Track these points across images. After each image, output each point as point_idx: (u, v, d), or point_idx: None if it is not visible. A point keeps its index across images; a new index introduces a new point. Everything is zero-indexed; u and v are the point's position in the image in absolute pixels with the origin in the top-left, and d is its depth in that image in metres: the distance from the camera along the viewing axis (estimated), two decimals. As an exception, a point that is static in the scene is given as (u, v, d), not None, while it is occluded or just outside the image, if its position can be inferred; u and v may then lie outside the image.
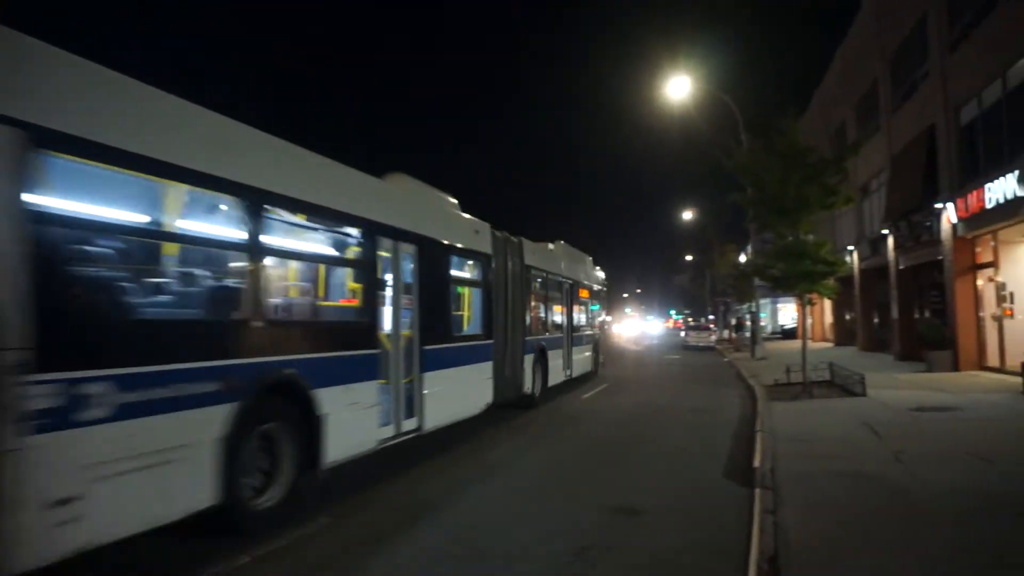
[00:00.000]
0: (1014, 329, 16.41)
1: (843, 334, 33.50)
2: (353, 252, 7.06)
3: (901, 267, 22.90)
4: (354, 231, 6.93)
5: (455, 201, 10.23)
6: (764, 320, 66.29)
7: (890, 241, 23.41)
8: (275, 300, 5.94)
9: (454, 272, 9.73)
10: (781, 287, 15.31)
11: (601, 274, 21.22)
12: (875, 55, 24.93)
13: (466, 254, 10.20)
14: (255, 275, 5.36)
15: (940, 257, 19.35)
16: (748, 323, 38.79)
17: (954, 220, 18.15)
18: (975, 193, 16.82)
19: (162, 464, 4.43)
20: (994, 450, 8.25)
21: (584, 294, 18.50)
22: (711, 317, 68.47)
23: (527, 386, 13.06)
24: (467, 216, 10.45)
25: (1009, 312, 16.84)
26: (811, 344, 37.76)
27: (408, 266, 8.10)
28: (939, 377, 16.68)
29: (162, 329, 4.59)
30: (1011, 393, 13.24)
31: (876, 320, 28.02)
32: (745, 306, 46.05)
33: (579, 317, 17.87)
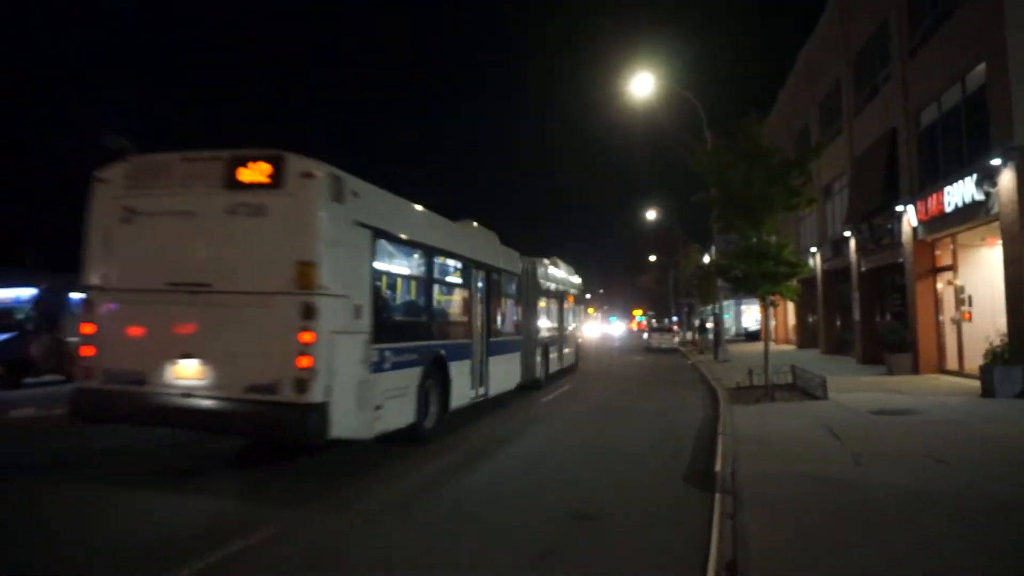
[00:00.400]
0: (972, 333, 16.88)
1: (806, 337, 34.14)
2: (461, 277, 11.90)
3: (863, 269, 23.40)
4: (462, 265, 11.83)
5: (494, 234, 14.86)
6: (728, 322, 67.50)
7: (852, 243, 23.91)
8: (438, 309, 10.74)
9: (501, 287, 14.64)
10: (744, 288, 15.48)
11: (578, 279, 24.99)
12: (838, 57, 25.47)
13: (507, 274, 15.15)
14: (431, 294, 10.19)
15: (901, 260, 19.84)
16: (711, 325, 39.28)
17: (914, 223, 18.63)
18: (935, 196, 17.29)
19: (402, 396, 8.83)
20: (952, 453, 8.44)
21: (570, 299, 22.84)
22: (675, 319, 69.34)
23: (538, 373, 17.80)
24: (505, 247, 15.40)
25: (968, 316, 17.32)
26: (774, 347, 38.53)
27: (480, 284, 12.84)
28: (899, 380, 17.08)
29: (405, 325, 9.27)
30: (969, 396, 13.61)
31: (838, 323, 28.60)
32: (709, 308, 46.71)
33: (568, 320, 22.37)
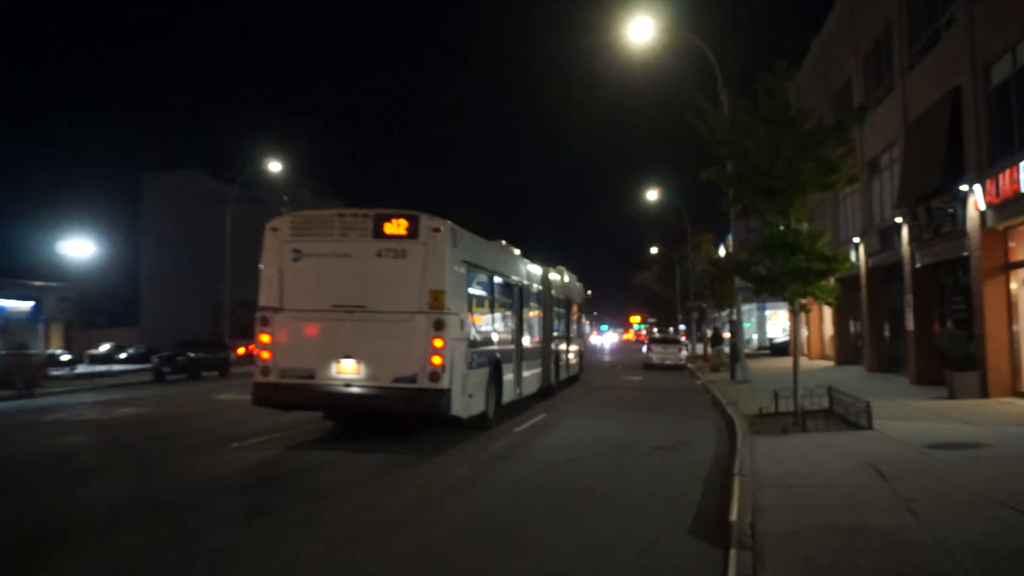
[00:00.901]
0: (1054, 344, 17.13)
1: (846, 350, 34.53)
2: (505, 294, 17.67)
3: (918, 265, 23.66)
4: (505, 283, 17.73)
5: (517, 250, 21.03)
6: (748, 332, 68.20)
7: (904, 232, 24.18)
8: (496, 321, 16.52)
9: (528, 300, 20.48)
10: (768, 289, 15.54)
11: (581, 286, 31.57)
12: (888, -4, 25.73)
13: (531, 288, 21.12)
14: (493, 309, 16.56)
15: (965, 253, 20.06)
16: (728, 335, 39.54)
17: (982, 207, 18.85)
18: (1008, 173, 17.49)
19: (479, 389, 14.94)
20: (1029, 497, 8.47)
21: (575, 309, 29.63)
22: (682, 328, 69.59)
23: (552, 379, 23.23)
24: (527, 260, 21.18)
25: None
26: (806, 363, 39.04)
27: (516, 299, 18.77)
28: (963, 405, 17.30)
29: (481, 335, 15.41)
30: (1049, 424, 13.81)
31: (887, 333, 28.94)
32: (724, 314, 46.99)
33: (575, 329, 29.40)
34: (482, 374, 15.51)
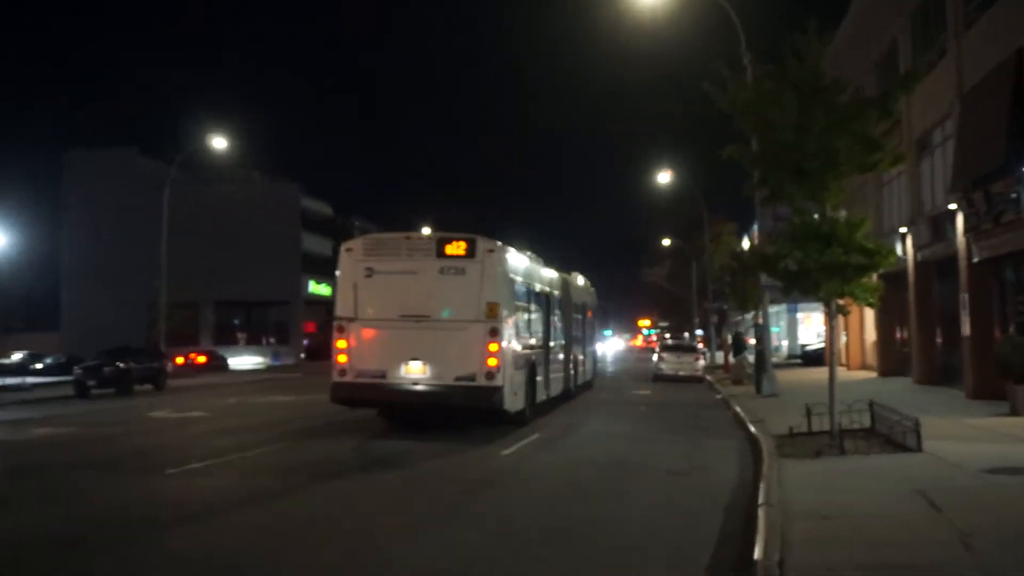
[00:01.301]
0: None
1: (891, 359, 34.62)
2: (536, 303, 22.87)
3: (975, 259, 23.71)
4: (537, 292, 22.85)
5: (539, 258, 24.84)
6: (777, 338, 68.21)
7: (959, 221, 24.24)
8: (532, 328, 22.19)
9: (552, 307, 24.74)
10: (799, 288, 15.54)
11: (593, 289, 36.84)
12: (941, -56, 25.80)
13: (555, 296, 25.30)
14: (530, 317, 22.07)
15: (1030, 245, 20.13)
16: (752, 342, 39.61)
17: (1050, 190, 18.92)
18: (1080, 150, 17.56)
19: (521, 389, 20.15)
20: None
21: (589, 314, 34.44)
22: (699, 333, 69.42)
23: (571, 384, 28.11)
24: (548, 268, 25.37)
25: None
26: (845, 373, 38.88)
27: (544, 308, 23.63)
28: (1027, 422, 17.34)
29: (523, 341, 20.71)
30: None
31: (939, 339, 29.00)
32: (748, 316, 47.12)
33: (589, 334, 34.33)
34: (522, 375, 20.44)
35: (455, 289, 18.77)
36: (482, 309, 18.45)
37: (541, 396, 22.76)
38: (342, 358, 19.12)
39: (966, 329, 24.28)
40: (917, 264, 29.38)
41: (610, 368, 58.27)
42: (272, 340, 78.88)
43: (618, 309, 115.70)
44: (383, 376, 18.72)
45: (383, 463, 15.01)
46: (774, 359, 38.22)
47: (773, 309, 54.28)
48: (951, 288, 26.17)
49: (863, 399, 17.08)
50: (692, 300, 66.22)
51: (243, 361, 69.05)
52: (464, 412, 19.30)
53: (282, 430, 20.36)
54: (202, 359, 59.09)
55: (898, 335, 34.52)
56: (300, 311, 78.36)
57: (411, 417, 20.31)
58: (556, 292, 26.52)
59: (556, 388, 25.32)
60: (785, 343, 66.74)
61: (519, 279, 20.89)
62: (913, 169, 28.57)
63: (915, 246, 29.26)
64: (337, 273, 20.00)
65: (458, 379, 18.28)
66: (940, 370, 28.60)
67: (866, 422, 16.41)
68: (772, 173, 15.69)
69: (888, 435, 15.12)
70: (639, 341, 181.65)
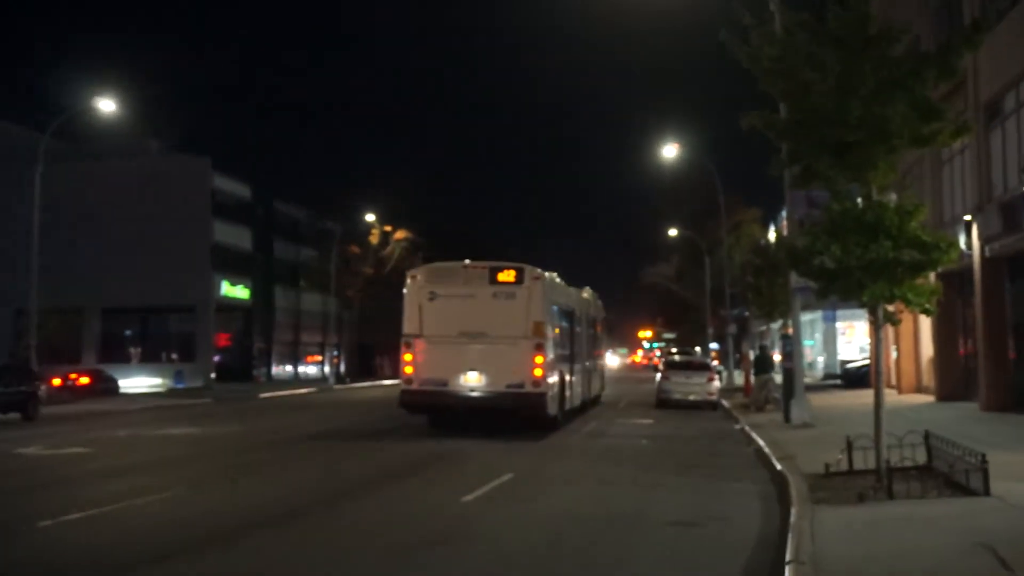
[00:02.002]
0: None
1: (952, 380, 34.75)
2: (566, 321, 34.03)
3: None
4: (566, 311, 34.06)
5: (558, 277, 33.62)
6: (810, 352, 68.30)
7: (1036, 207, 24.42)
8: (564, 343, 33.06)
9: (575, 323, 35.35)
10: (838, 291, 15.57)
11: (600, 302, 46.24)
12: None
13: (576, 314, 35.58)
14: (562, 334, 32.75)
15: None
16: (779, 358, 39.73)
17: None
18: None
19: (556, 398, 29.98)
20: None
21: (599, 329, 44.80)
22: (713, 347, 69.28)
23: (589, 395, 38.18)
24: (565, 284, 34.74)
25: None
26: (895, 398, 38.75)
27: (570, 326, 34.69)
28: (1120, 459, 17.42)
29: (558, 354, 30.94)
30: None
31: (1013, 354, 29.15)
32: (775, 326, 47.18)
33: (598, 347, 44.26)
34: (558, 385, 29.52)
35: (506, 310, 27.54)
36: (529, 328, 27.33)
37: (568, 405, 31.96)
38: (409, 369, 27.88)
39: (1045, 342, 24.45)
40: (985, 261, 29.49)
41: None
42: (174, 356, 78.35)
43: (613, 318, 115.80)
44: (445, 384, 27.36)
45: (295, 514, 14.97)
46: (807, 379, 38.32)
47: (806, 317, 54.43)
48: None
49: (917, 429, 17.14)
50: (705, 306, 66.35)
51: (137, 383, 68.48)
52: (513, 415, 27.97)
53: (183, 472, 20.27)
54: (85, 380, 58.19)
55: (961, 350, 34.71)
56: (210, 319, 77.47)
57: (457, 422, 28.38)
58: (577, 310, 36.17)
59: (577, 399, 34.73)
60: (821, 359, 67.05)
61: (555, 302, 30.72)
62: (981, 142, 28.73)
63: (983, 238, 29.37)
64: (404, 295, 28.73)
65: (509, 386, 26.98)
66: (1014, 394, 28.82)
67: (921, 458, 16.46)
68: (805, 147, 15.69)
69: (948, 475, 15.13)
70: (639, 356, 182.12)
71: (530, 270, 28.11)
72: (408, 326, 28.02)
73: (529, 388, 26.98)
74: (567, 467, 20.90)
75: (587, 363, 38.47)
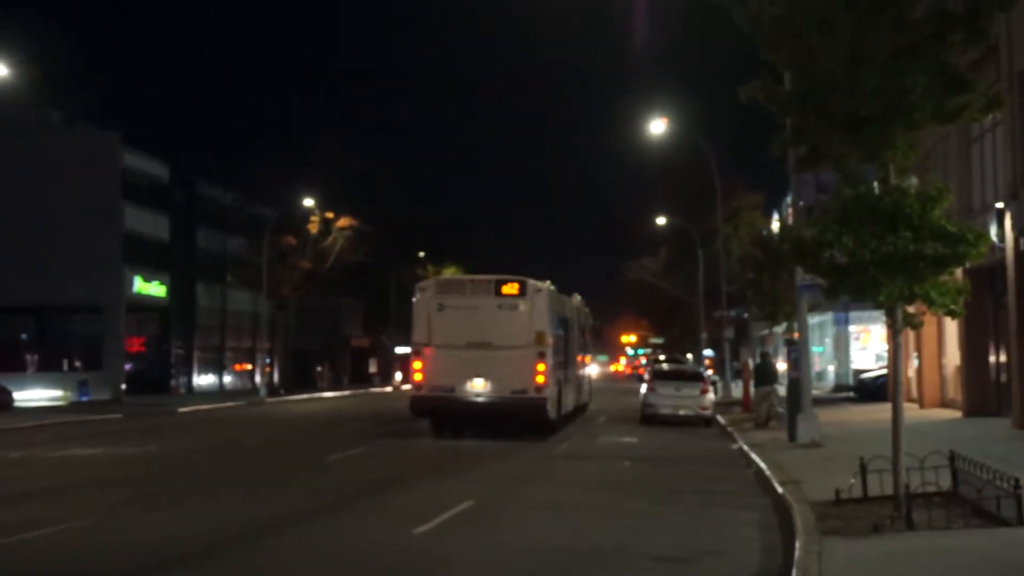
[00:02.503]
0: None
1: (982, 392, 34.92)
2: (563, 328, 41.93)
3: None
4: (562, 319, 41.66)
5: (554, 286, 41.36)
6: (820, 361, 68.43)
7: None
8: (561, 351, 40.89)
9: (570, 331, 44.04)
10: (851, 289, 15.66)
11: (587, 309, 54.36)
12: None
13: (570, 323, 44.29)
14: (559, 342, 40.25)
15: None
16: (783, 367, 39.86)
17: None
18: None
19: (556, 403, 38.06)
20: None
21: (587, 336, 53.79)
22: (707, 354, 69.30)
23: (581, 401, 48.17)
24: (568, 299, 46.08)
25: None
26: (916, 413, 38.72)
27: (565, 334, 42.70)
28: None
29: (556, 361, 38.31)
30: None
31: (1050, 363, 29.33)
32: (778, 330, 47.33)
33: (586, 354, 54.28)
34: (557, 391, 35.94)
35: (510, 321, 34.40)
36: (531, 337, 34.09)
37: (564, 411, 39.17)
38: (418, 376, 35.07)
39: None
40: (1020, 255, 29.52)
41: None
42: (78, 364, 77.73)
43: (596, 322, 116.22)
44: (452, 390, 33.95)
45: (212, 551, 14.97)
46: (816, 391, 38.46)
47: (814, 320, 54.75)
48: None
49: (942, 450, 17.24)
50: (698, 306, 66.55)
51: (34, 395, 67.69)
52: (516, 419, 34.22)
53: (84, 500, 20.11)
54: (-31, 393, 58.05)
55: (992, 358, 34.90)
56: (120, 321, 76.90)
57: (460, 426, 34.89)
58: (571, 319, 43.82)
59: (570, 404, 42.03)
60: (832, 369, 67.37)
61: (554, 312, 37.19)
62: (1015, 118, 28.75)
63: (1017, 229, 29.39)
64: (413, 306, 36.40)
65: (513, 392, 33.57)
66: (1051, 409, 28.95)
67: (945, 483, 16.54)
68: (813, 123, 15.73)
69: (976, 502, 15.21)
70: (621, 365, 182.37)
71: (532, 283, 35.54)
72: (417, 335, 35.47)
73: (532, 394, 33.71)
74: (539, 493, 20.92)
75: (580, 371, 47.93)
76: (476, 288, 35.33)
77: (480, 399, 33.57)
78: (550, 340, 34.66)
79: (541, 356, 33.47)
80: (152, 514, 18.16)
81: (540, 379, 33.40)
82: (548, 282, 36.89)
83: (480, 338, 33.51)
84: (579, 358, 47.65)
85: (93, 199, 73.28)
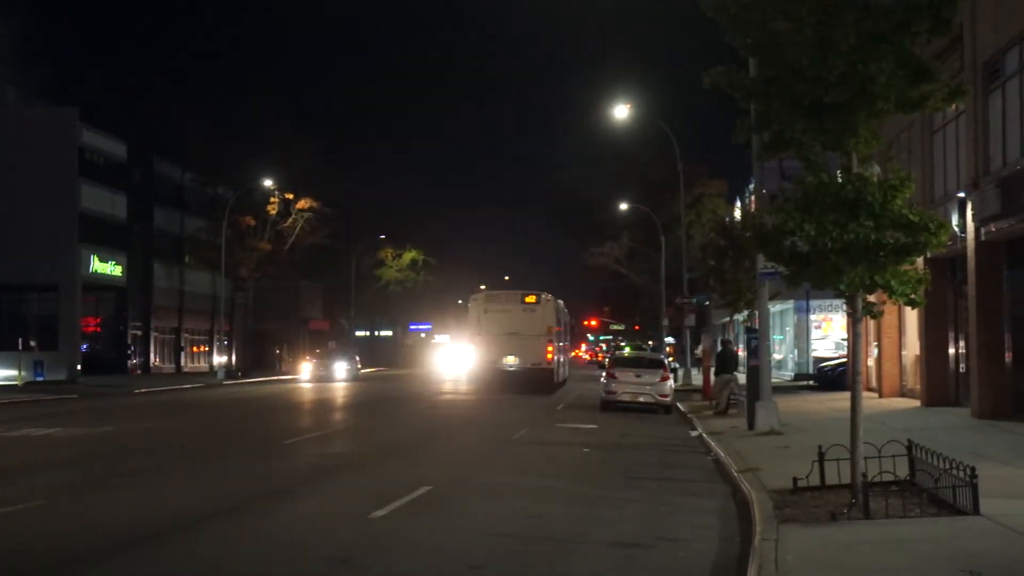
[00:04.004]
0: None
1: (941, 382, 35.07)
2: (560, 324, 68.49)
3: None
4: (558, 318, 67.25)
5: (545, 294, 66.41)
6: (780, 348, 68.78)
7: (1040, 184, 24.74)
8: (559, 338, 68.47)
9: (558, 325, 67.12)
10: (812, 277, 15.68)
11: (565, 309, 74.23)
12: None
13: (560, 318, 69.21)
14: (556, 332, 66.43)
15: None
16: (744, 354, 39.96)
17: None
18: None
19: (557, 372, 67.82)
20: None
21: (567, 328, 79.89)
22: (669, 341, 69.68)
23: (565, 375, 74.22)
24: (560, 302, 70.27)
25: None
26: (875, 402, 38.95)
27: (559, 324, 69.41)
28: None
29: (557, 345, 66.76)
30: None
31: (1009, 353, 29.49)
32: (739, 317, 47.51)
33: (568, 342, 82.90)
34: (558, 364, 61.09)
35: (531, 319, 55.73)
36: (544, 329, 56.09)
37: (559, 379, 60.29)
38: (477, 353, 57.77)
39: (1047, 340, 24.73)
40: (980, 245, 29.61)
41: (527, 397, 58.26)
42: (33, 344, 77.01)
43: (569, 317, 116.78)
44: (495, 362, 55.75)
45: (161, 536, 14.87)
46: (776, 380, 38.63)
47: (775, 308, 55.01)
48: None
49: (900, 439, 17.34)
50: (660, 293, 66.77)
51: (-13, 374, 67.61)
52: (533, 381, 54.22)
53: (39, 481, 20.08)
54: (-78, 372, 57.71)
55: (951, 348, 35.08)
56: (76, 301, 76.38)
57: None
58: (561, 317, 63.23)
59: (562, 376, 64.53)
60: (792, 357, 67.64)
61: (555, 313, 58.29)
62: (978, 108, 28.88)
63: (978, 219, 29.36)
64: (468, 309, 59.34)
65: (533, 364, 55.51)
66: (1010, 398, 29.15)
67: (903, 472, 16.63)
68: (776, 109, 15.67)
69: (933, 491, 15.31)
70: (582, 350, 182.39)
71: (545, 295, 58.84)
72: (471, 329, 58.50)
73: (544, 365, 56.46)
74: (494, 479, 20.89)
75: (568, 353, 74.97)
76: (508, 298, 59.05)
77: (512, 368, 56.02)
78: (554, 331, 57.00)
79: (549, 341, 56.59)
80: (104, 496, 18.07)
81: (549, 356, 56.58)
82: (550, 295, 59.25)
83: (511, 330, 55.73)
84: (565, 344, 70.46)
85: (49, 177, 72.51)
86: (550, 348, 56.90)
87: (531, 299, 57.98)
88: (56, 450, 25.65)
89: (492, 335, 56.59)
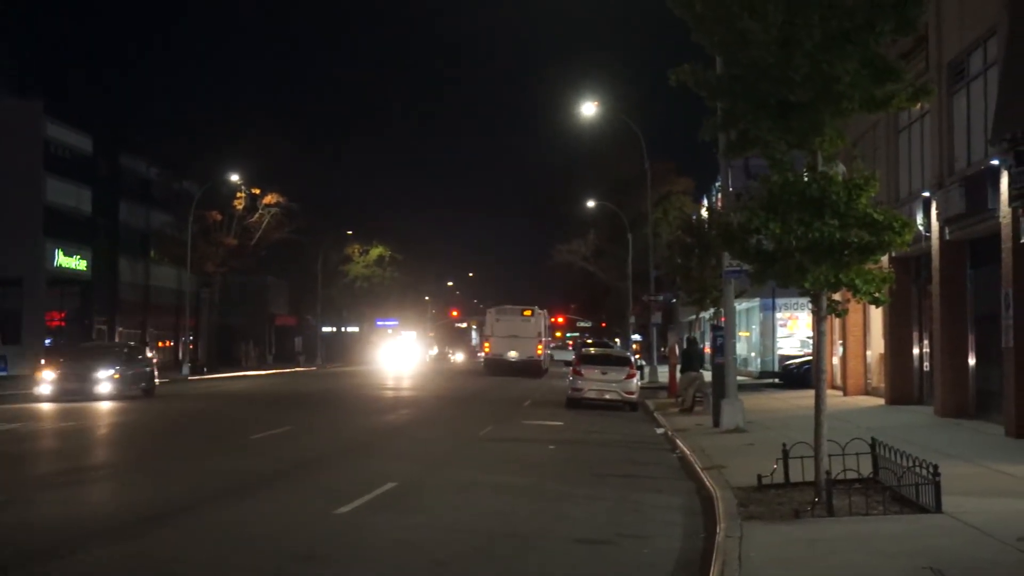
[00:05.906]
0: None
1: (905, 381, 35.22)
2: (546, 328, 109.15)
3: (1024, 240, 24.30)
4: (545, 325, 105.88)
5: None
6: (746, 346, 68.95)
7: (1004, 183, 24.86)
8: (546, 337, 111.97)
9: (548, 329, 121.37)
10: (777, 275, 15.77)
11: (547, 315, 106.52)
12: None
13: (545, 324, 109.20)
14: (543, 334, 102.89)
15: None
16: (710, 352, 40.06)
17: None
18: None
19: (546, 361, 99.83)
20: None
21: (547, 338, 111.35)
22: (635, 338, 70.11)
23: (550, 366, 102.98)
24: (544, 311, 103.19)
25: None
26: (839, 400, 39.20)
27: (546, 329, 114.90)
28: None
29: (545, 341, 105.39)
30: None
31: (972, 352, 29.62)
32: (706, 315, 47.55)
33: (549, 341, 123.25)
34: (545, 357, 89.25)
35: (529, 325, 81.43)
36: (536, 333, 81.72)
37: (546, 366, 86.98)
38: (487, 349, 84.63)
39: (1009, 340, 24.80)
40: (944, 244, 29.80)
41: (501, 391, 58.05)
42: (-6, 338, 76.63)
43: (520, 302, 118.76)
44: (502, 356, 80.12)
45: (127, 528, 14.84)
46: (742, 377, 38.81)
47: (741, 306, 55.22)
48: (991, 280, 26.72)
49: (863, 437, 17.45)
50: (626, 290, 67.02)
51: (-51, 370, 66.95)
52: (527, 369, 78.10)
53: (3, 475, 20.12)
54: None
55: (916, 347, 35.27)
56: (40, 295, 75.82)
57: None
58: (547, 323, 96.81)
59: (548, 364, 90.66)
60: (757, 355, 67.78)
61: (543, 321, 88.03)
62: (942, 108, 29.00)
63: (942, 219, 29.57)
64: (485, 318, 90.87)
65: (529, 358, 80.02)
66: (973, 397, 29.30)
67: (866, 470, 16.77)
68: (742, 108, 15.74)
69: (896, 488, 15.42)
70: (541, 350, 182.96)
71: (538, 309, 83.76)
72: (487, 331, 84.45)
73: (536, 358, 79.03)
74: (460, 475, 20.95)
75: (550, 349, 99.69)
76: (513, 311, 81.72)
77: (514, 361, 77.39)
78: (542, 335, 79.91)
79: (540, 341, 79.83)
80: (67, 492, 17.99)
81: (540, 351, 79.75)
82: (543, 310, 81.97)
83: (515, 333, 78.65)
84: (549, 341, 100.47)
85: (13, 170, 71.57)
86: (540, 346, 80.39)
87: (527, 312, 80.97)
88: (18, 445, 25.45)
89: (500, 336, 79.52)
